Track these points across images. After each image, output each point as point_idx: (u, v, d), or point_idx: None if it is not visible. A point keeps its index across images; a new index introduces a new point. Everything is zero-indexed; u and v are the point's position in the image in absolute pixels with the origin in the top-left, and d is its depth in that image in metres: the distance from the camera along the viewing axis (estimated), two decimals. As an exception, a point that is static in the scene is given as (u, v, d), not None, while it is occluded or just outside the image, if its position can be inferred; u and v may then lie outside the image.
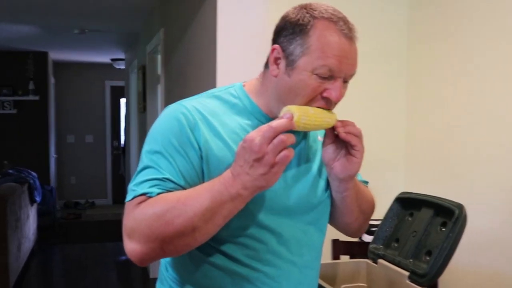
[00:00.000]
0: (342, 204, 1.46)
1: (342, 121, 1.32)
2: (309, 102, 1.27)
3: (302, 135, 1.42)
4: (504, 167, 2.33)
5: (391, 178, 3.00)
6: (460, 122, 2.59)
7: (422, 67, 2.89)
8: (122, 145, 10.08)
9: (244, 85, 1.42)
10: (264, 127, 1.14)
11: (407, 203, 1.94)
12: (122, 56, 8.95)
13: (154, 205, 1.20)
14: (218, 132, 1.30)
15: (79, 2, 5.25)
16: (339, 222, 1.54)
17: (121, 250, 6.79)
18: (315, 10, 1.27)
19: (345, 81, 1.30)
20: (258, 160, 1.13)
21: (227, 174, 1.18)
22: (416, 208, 1.88)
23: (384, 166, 2.98)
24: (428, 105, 2.84)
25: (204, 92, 1.42)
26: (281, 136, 1.13)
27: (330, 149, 1.35)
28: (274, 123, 1.14)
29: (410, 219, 1.90)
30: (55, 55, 8.89)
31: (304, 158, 1.42)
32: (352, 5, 2.86)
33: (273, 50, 1.31)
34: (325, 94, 1.26)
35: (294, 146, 1.26)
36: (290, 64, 1.27)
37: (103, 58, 9.24)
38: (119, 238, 5.70)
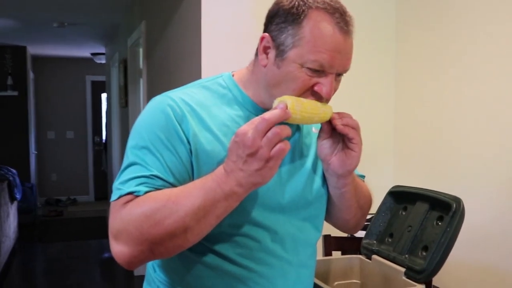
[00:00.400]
0: (340, 200, 1.40)
1: (339, 113, 1.26)
2: (298, 95, 1.21)
3: (296, 128, 1.35)
4: (493, 162, 2.30)
5: (380, 173, 2.95)
6: (448, 116, 2.56)
7: (411, 61, 2.86)
8: (103, 141, 9.95)
9: (233, 75, 1.35)
10: (257, 119, 1.07)
11: (401, 197, 1.88)
12: (102, 50, 8.82)
13: (143, 204, 1.13)
14: (207, 124, 1.23)
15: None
16: (337, 218, 1.49)
17: (105, 248, 6.71)
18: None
19: (339, 75, 1.24)
20: (252, 155, 1.06)
21: (219, 170, 1.12)
22: (410, 202, 1.82)
23: (373, 160, 2.92)
24: (417, 100, 2.81)
25: (191, 83, 1.35)
26: (275, 129, 1.06)
27: (327, 144, 1.29)
28: (267, 114, 1.07)
29: (404, 213, 1.84)
30: (34, 49, 8.75)
31: (298, 152, 1.35)
32: None
33: (262, 38, 1.25)
34: (315, 88, 1.21)
35: (288, 139, 1.18)
36: (280, 54, 1.20)
37: (83, 52, 9.11)
38: (102, 236, 5.60)
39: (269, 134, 1.06)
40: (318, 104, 1.21)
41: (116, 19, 6.35)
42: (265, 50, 1.24)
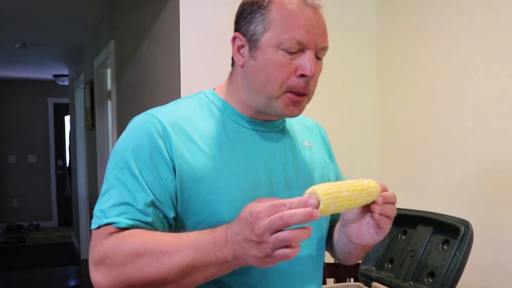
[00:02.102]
0: (346, 256, 1.36)
1: (384, 196, 1.12)
2: (284, 86, 1.16)
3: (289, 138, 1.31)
4: (478, 166, 2.24)
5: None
6: (431, 119, 2.51)
7: (392, 64, 2.81)
8: (67, 165, 9.71)
9: (214, 89, 1.32)
10: (278, 206, 0.95)
11: (399, 221, 1.79)
12: (65, 71, 8.64)
13: (130, 243, 1.07)
14: (191, 136, 1.19)
15: (22, 14, 5.00)
16: (336, 258, 1.43)
17: (70, 275, 6.49)
18: None
19: (318, 58, 1.20)
20: (256, 243, 0.96)
21: (221, 234, 1.02)
22: (411, 226, 1.75)
23: (356, 168, 2.85)
24: (400, 105, 2.75)
25: (173, 101, 1.30)
26: (288, 234, 0.94)
27: (355, 210, 1.17)
28: (289, 212, 0.94)
29: (404, 237, 1.77)
30: (-6, 71, 8.51)
31: (300, 179, 1.27)
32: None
33: (234, 39, 1.23)
34: (298, 72, 1.16)
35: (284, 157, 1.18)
36: (254, 45, 1.18)
37: (45, 74, 8.91)
38: (67, 262, 5.39)
39: (280, 235, 0.94)
40: (361, 191, 1.07)
41: (81, 39, 6.22)
42: (239, 50, 1.22)
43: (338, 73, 2.86)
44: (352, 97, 2.93)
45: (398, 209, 1.77)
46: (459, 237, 1.52)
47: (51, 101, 9.95)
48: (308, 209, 0.94)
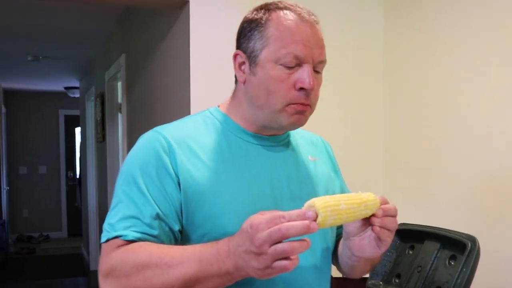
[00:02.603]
0: (350, 269, 1.37)
1: (384, 209, 1.14)
2: (285, 100, 1.20)
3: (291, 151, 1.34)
4: (491, 180, 2.24)
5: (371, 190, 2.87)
6: (441, 129, 2.51)
7: (400, 71, 2.81)
8: (77, 176, 9.75)
9: (219, 106, 1.37)
10: (277, 218, 0.97)
11: (407, 236, 1.81)
12: (76, 84, 8.70)
13: (135, 256, 1.11)
14: (196, 152, 1.23)
15: (34, 28, 5.06)
16: (342, 271, 1.44)
17: (79, 286, 6.51)
18: (270, 5, 1.26)
19: (317, 72, 1.23)
20: (255, 254, 0.99)
21: (223, 246, 1.05)
22: (418, 241, 1.76)
23: (363, 177, 2.85)
24: (409, 113, 2.75)
25: (179, 119, 1.35)
26: (285, 246, 0.96)
27: (356, 223, 1.19)
28: (289, 224, 0.97)
29: (411, 252, 1.78)
30: (6, 83, 8.58)
31: (304, 192, 1.29)
32: (326, 15, 2.77)
33: (235, 56, 1.28)
34: (298, 85, 1.19)
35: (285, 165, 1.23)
36: (253, 61, 1.23)
37: (57, 86, 8.97)
38: (76, 273, 5.42)
39: (278, 247, 0.96)
40: (360, 204, 1.09)
41: (92, 52, 6.27)
42: (240, 66, 1.27)
43: (346, 81, 2.87)
44: (360, 107, 2.93)
45: (405, 224, 1.80)
46: (466, 253, 1.53)
47: (62, 113, 10.03)
48: (306, 222, 0.97)
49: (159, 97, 3.38)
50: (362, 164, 2.91)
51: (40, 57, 6.43)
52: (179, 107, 2.83)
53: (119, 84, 4.98)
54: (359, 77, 2.92)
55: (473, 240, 1.55)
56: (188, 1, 2.63)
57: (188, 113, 2.59)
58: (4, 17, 4.67)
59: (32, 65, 6.87)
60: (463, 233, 1.60)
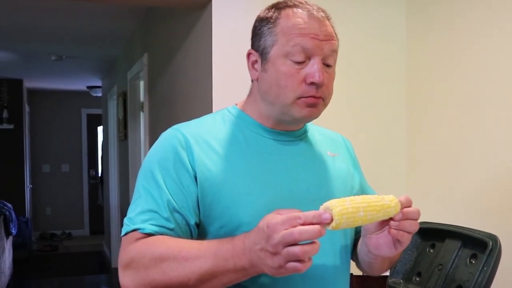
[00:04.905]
0: (368, 266, 1.39)
1: (404, 212, 1.14)
2: (296, 94, 1.22)
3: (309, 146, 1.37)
4: (509, 173, 2.23)
5: (392, 187, 2.87)
6: (461, 128, 2.50)
7: (422, 73, 2.80)
8: (99, 175, 9.84)
9: (236, 104, 1.40)
10: (293, 219, 1.00)
11: (428, 234, 1.81)
12: (98, 83, 8.78)
13: (154, 248, 1.16)
14: (213, 146, 1.27)
15: (58, 28, 5.13)
16: (361, 268, 1.46)
17: (100, 283, 6.57)
18: (281, 3, 1.29)
19: (329, 65, 1.24)
20: (271, 253, 1.02)
21: (239, 243, 1.08)
22: (439, 239, 1.76)
23: (385, 176, 2.86)
24: (429, 112, 2.74)
25: (198, 118, 1.40)
26: (297, 250, 1.00)
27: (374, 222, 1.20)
28: (302, 228, 0.99)
29: (432, 251, 1.78)
30: (30, 83, 8.70)
31: (322, 185, 1.32)
32: (348, 26, 2.78)
33: (248, 55, 1.32)
34: (308, 80, 1.22)
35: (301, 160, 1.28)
36: (264, 58, 1.26)
37: (79, 85, 9.06)
38: (98, 270, 5.49)
39: (290, 250, 1.00)
40: (379, 207, 1.09)
41: (115, 52, 6.32)
42: (253, 65, 1.30)
43: (368, 80, 2.87)
44: (381, 106, 2.93)
45: (426, 223, 1.80)
46: (487, 252, 1.53)
47: (84, 112, 10.12)
48: (318, 227, 1.00)
49: (181, 96, 3.41)
50: (384, 163, 2.91)
51: (64, 57, 6.50)
52: (201, 106, 2.85)
53: (142, 83, 5.02)
54: (380, 76, 2.92)
55: (494, 239, 1.55)
56: (211, 1, 2.65)
57: (210, 111, 2.61)
58: (28, 18, 4.73)
59: (55, 64, 6.95)
60: (484, 232, 1.60)
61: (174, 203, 1.20)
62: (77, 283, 6.79)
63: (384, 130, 2.93)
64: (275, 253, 1.01)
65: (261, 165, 1.27)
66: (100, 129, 9.80)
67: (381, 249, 1.21)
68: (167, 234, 1.19)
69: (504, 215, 2.25)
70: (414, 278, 1.78)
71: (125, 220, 1.23)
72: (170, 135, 1.29)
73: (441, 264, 1.68)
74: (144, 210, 1.21)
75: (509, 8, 2.25)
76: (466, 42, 2.49)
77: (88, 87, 8.94)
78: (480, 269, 1.53)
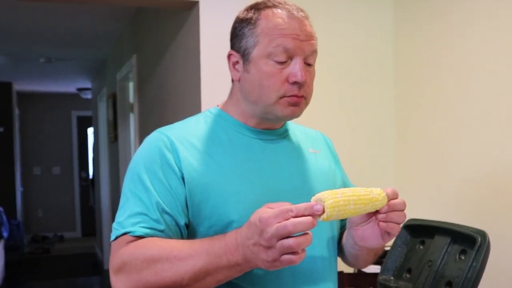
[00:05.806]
0: (354, 259, 1.41)
1: (390, 204, 1.17)
2: (279, 93, 1.24)
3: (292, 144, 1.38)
4: (497, 170, 2.24)
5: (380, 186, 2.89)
6: (450, 126, 2.52)
7: (410, 71, 2.83)
8: (90, 177, 9.81)
9: (218, 105, 1.42)
10: (285, 212, 1.01)
11: (417, 231, 1.82)
12: (88, 85, 8.76)
13: (145, 250, 1.15)
14: (198, 147, 1.28)
15: (46, 30, 5.11)
16: (346, 261, 1.48)
17: (93, 285, 6.55)
18: (260, 4, 1.30)
19: (309, 64, 1.26)
20: (265, 247, 1.03)
21: (231, 240, 1.09)
22: (428, 236, 1.76)
23: (374, 173, 2.87)
24: (418, 110, 2.77)
25: (181, 120, 1.41)
26: (291, 242, 1.01)
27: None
28: (296, 220, 1.00)
29: (421, 247, 1.78)
30: (19, 85, 8.66)
31: (305, 182, 1.33)
32: (337, 26, 2.79)
33: (229, 56, 1.33)
34: (290, 79, 1.23)
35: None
36: (246, 59, 1.27)
37: (69, 87, 9.04)
38: (90, 273, 5.46)
39: (285, 242, 1.01)
40: (367, 199, 1.12)
41: (104, 53, 6.32)
42: (234, 65, 1.31)
43: (356, 79, 2.89)
44: (370, 104, 2.95)
45: (415, 219, 1.81)
46: (476, 247, 1.54)
47: (74, 114, 10.10)
48: (311, 218, 1.01)
49: (170, 96, 3.41)
50: (373, 160, 2.93)
51: (53, 59, 6.49)
52: (190, 107, 2.86)
53: (131, 84, 5.02)
54: (369, 75, 2.94)
55: (483, 234, 1.55)
56: (198, 2, 2.65)
57: (199, 111, 2.60)
58: (17, 20, 4.72)
59: (44, 67, 6.93)
60: (473, 228, 1.60)
61: (163, 204, 1.21)
62: (70, 285, 6.77)
63: (373, 128, 2.95)
64: (269, 247, 1.02)
65: (246, 164, 1.28)
66: (90, 131, 9.79)
67: (368, 240, 1.22)
68: (157, 236, 1.19)
69: (492, 211, 2.27)
70: (404, 275, 1.78)
71: (114, 224, 1.23)
72: (155, 138, 1.30)
73: (430, 261, 1.69)
74: (133, 213, 1.21)
75: (496, 6, 2.27)
76: (454, 41, 2.51)
77: (77, 89, 8.93)
78: (469, 264, 1.54)
